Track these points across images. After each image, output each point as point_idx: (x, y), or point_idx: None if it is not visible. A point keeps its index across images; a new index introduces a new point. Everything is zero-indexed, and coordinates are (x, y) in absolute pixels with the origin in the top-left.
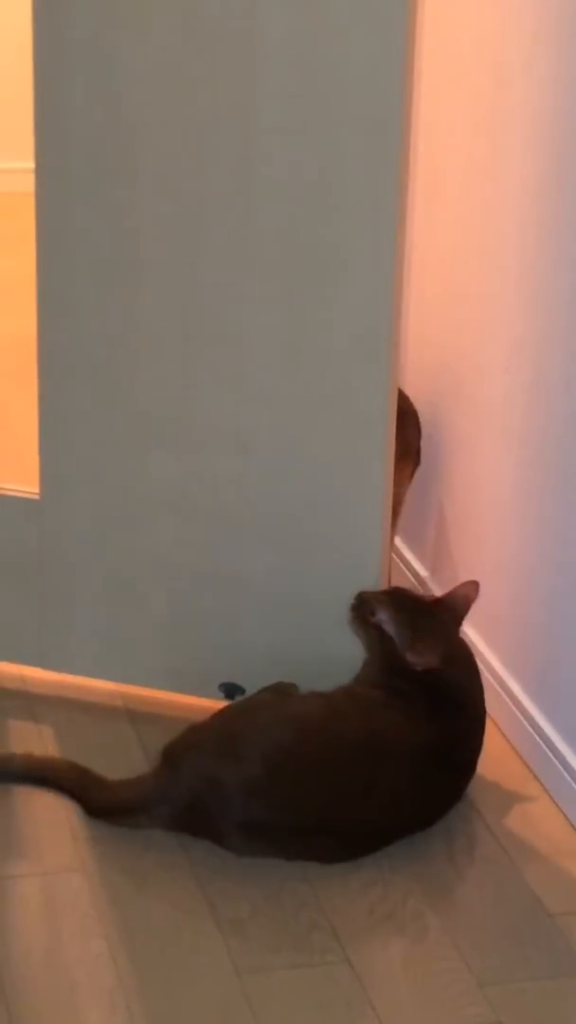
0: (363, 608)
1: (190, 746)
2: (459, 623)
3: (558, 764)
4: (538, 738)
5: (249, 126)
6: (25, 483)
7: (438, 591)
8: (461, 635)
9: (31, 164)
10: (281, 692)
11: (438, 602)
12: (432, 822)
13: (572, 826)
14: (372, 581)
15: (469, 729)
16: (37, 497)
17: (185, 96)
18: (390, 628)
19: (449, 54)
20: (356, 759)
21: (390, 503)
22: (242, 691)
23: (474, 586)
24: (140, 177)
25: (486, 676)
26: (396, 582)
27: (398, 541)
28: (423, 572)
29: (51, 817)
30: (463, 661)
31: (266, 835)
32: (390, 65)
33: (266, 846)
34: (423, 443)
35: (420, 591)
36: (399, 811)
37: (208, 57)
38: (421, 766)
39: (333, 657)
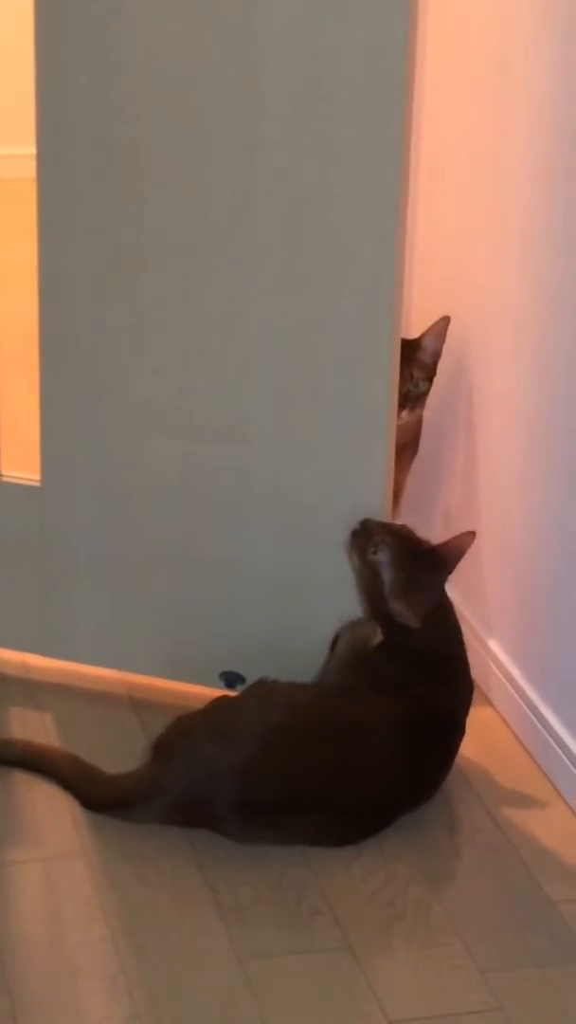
0: (365, 540)
1: (181, 735)
2: (448, 572)
3: (560, 752)
4: (541, 726)
5: (251, 113)
6: (26, 470)
7: None
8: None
9: (33, 150)
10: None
11: (434, 551)
12: (428, 795)
13: (574, 813)
14: None
15: (451, 693)
16: (38, 484)
17: (187, 82)
18: (386, 572)
19: (454, 40)
20: (345, 735)
21: (391, 491)
22: (242, 680)
23: (470, 536)
24: (142, 163)
25: (490, 664)
26: None
27: None
28: None
29: (52, 803)
30: (443, 621)
31: (264, 817)
32: (392, 51)
33: (265, 830)
34: (426, 429)
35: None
36: (393, 785)
37: (210, 44)
38: (408, 737)
39: None
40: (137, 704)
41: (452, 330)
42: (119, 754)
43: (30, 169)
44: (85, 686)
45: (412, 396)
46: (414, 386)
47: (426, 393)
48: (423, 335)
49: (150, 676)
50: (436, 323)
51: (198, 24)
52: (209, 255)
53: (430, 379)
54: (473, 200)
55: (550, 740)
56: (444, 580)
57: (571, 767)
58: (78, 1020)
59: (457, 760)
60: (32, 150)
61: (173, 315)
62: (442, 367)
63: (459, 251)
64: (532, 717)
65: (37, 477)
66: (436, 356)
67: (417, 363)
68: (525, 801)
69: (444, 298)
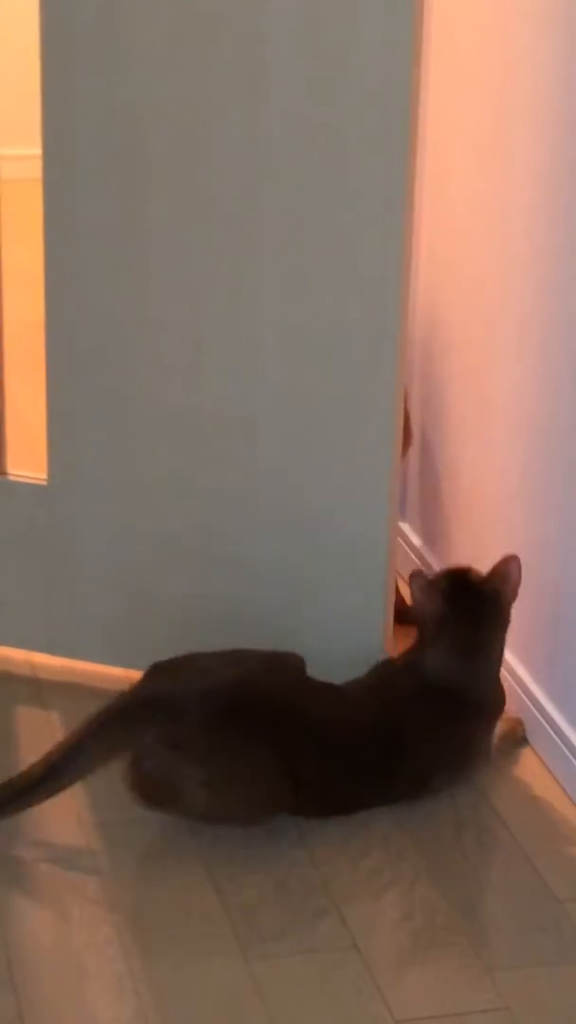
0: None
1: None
2: (498, 602)
3: (567, 752)
4: (548, 726)
5: (257, 112)
6: (33, 469)
7: None
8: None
9: (39, 150)
10: None
11: (483, 581)
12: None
13: None
14: (379, 566)
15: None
16: (45, 483)
17: (193, 81)
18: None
19: (457, 41)
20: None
21: (397, 490)
22: None
23: (514, 561)
24: (148, 164)
25: None
26: (402, 567)
27: (405, 527)
28: (430, 558)
29: (58, 803)
30: (476, 658)
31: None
32: (398, 50)
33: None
34: (429, 428)
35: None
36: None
37: (217, 43)
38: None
39: (340, 643)
40: None
41: (457, 328)
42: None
43: (36, 170)
44: (91, 684)
45: None
46: None
47: None
48: None
49: None
50: None
51: (204, 24)
52: (215, 254)
53: None
54: (477, 199)
55: (557, 740)
56: (490, 613)
57: None
58: (84, 1020)
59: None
60: (38, 150)
61: (179, 314)
62: (445, 366)
63: (463, 250)
64: (540, 718)
65: (44, 476)
66: None
67: None
68: (531, 800)
69: (448, 297)
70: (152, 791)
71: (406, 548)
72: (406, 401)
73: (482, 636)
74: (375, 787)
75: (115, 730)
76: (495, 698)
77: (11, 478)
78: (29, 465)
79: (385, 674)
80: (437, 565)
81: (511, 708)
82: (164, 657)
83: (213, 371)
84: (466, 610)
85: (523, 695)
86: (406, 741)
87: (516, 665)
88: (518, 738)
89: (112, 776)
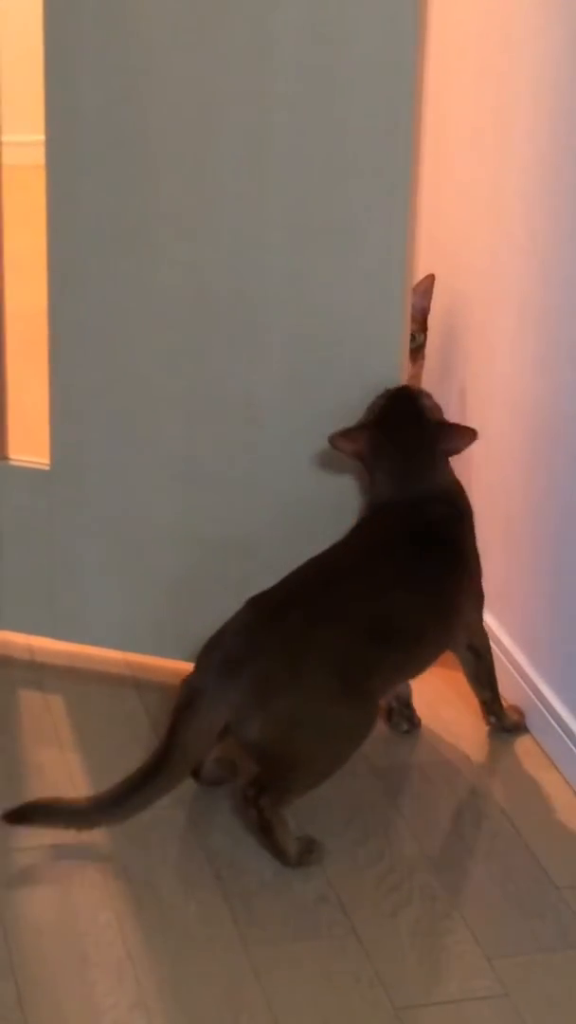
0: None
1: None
2: (433, 440)
3: (567, 739)
4: (547, 713)
5: (260, 97)
6: (35, 454)
7: None
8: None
9: (42, 136)
10: None
11: (431, 426)
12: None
13: None
14: None
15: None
16: (47, 468)
17: (196, 67)
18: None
19: (457, 21)
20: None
21: None
22: None
23: (472, 434)
24: (150, 149)
25: (493, 648)
26: None
27: None
28: None
29: (58, 791)
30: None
31: None
32: (402, 34)
33: None
34: None
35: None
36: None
37: (220, 26)
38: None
39: None
40: (141, 685)
41: (457, 314)
42: (122, 736)
43: (38, 156)
44: (90, 668)
45: (411, 349)
46: (411, 339)
47: (423, 345)
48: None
49: (159, 658)
50: (420, 281)
51: (207, 9)
52: (218, 239)
53: (424, 331)
54: (476, 185)
55: (557, 727)
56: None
57: None
58: (84, 1006)
59: (460, 748)
60: (40, 137)
61: (182, 299)
62: (447, 355)
63: (462, 237)
64: (539, 704)
65: (46, 461)
66: (424, 312)
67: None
68: (530, 787)
69: (447, 284)
70: (275, 739)
71: None
72: (423, 364)
73: (417, 441)
74: (438, 607)
75: (199, 700)
76: (463, 497)
77: (13, 463)
78: (31, 450)
79: (362, 528)
80: None
81: (510, 694)
82: (164, 644)
83: (216, 355)
84: (394, 429)
85: (523, 682)
86: (429, 556)
87: (516, 652)
88: (518, 726)
89: (112, 766)
